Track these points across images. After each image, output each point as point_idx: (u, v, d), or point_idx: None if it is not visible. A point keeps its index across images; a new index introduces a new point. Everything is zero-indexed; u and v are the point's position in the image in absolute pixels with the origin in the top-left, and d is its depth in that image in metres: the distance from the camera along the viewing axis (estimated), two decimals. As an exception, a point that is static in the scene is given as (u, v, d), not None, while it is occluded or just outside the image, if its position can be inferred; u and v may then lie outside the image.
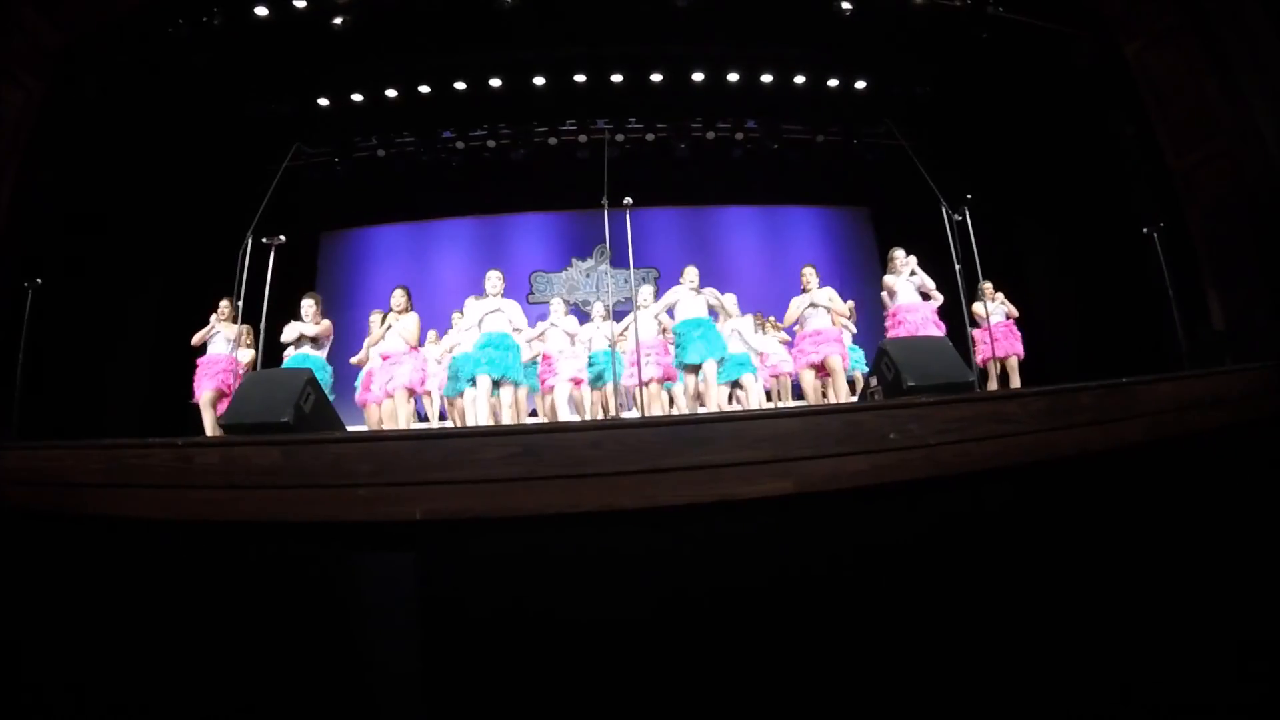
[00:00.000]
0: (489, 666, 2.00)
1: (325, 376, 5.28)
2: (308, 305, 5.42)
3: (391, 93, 8.14)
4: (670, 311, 5.36)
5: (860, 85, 8.59)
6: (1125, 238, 6.09)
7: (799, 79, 8.43)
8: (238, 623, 2.10)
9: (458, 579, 2.04)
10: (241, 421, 3.21)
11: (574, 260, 10.33)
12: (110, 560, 2.25)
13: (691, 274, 5.32)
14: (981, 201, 4.35)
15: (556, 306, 6.15)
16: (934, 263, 5.52)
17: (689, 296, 5.25)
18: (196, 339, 5.64)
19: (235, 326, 5.26)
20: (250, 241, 4.38)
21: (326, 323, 5.48)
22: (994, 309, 6.04)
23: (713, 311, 5.38)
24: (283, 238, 4.37)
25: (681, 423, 1.89)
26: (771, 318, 7.55)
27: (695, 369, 5.08)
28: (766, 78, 8.38)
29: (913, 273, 5.65)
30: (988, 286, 5.89)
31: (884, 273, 5.98)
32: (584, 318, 7.33)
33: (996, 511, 2.24)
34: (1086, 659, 2.24)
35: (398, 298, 5.31)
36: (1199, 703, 2.30)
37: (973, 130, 8.58)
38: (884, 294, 5.85)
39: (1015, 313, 6.25)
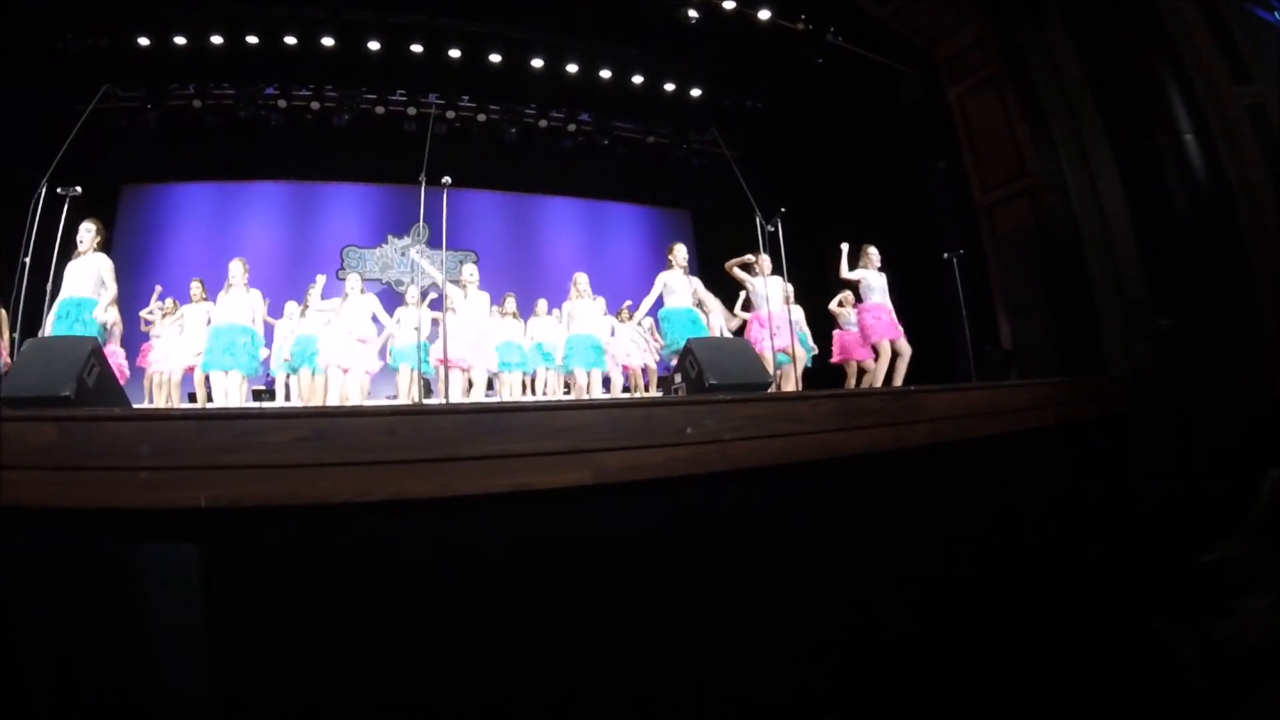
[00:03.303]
0: (277, 662, 1.92)
1: None
2: None
3: (216, 39, 7.49)
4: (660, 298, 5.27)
5: (695, 92, 8.95)
6: (928, 261, 6.76)
7: (637, 78, 8.65)
8: (11, 618, 1.90)
9: (244, 571, 1.94)
10: (19, 394, 2.90)
11: (390, 237, 10.02)
12: None
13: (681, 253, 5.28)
14: (796, 215, 4.65)
15: (353, 283, 5.43)
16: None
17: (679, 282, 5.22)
18: None
19: None
20: (45, 189, 3.89)
21: None
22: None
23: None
24: (79, 188, 3.91)
25: (481, 411, 1.89)
26: (627, 304, 7.59)
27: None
28: (605, 73, 8.51)
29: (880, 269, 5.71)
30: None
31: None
32: (397, 299, 7.10)
33: (788, 503, 2.43)
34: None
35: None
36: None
37: (796, 147, 9.11)
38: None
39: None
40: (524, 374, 6.24)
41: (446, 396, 3.82)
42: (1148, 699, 2.65)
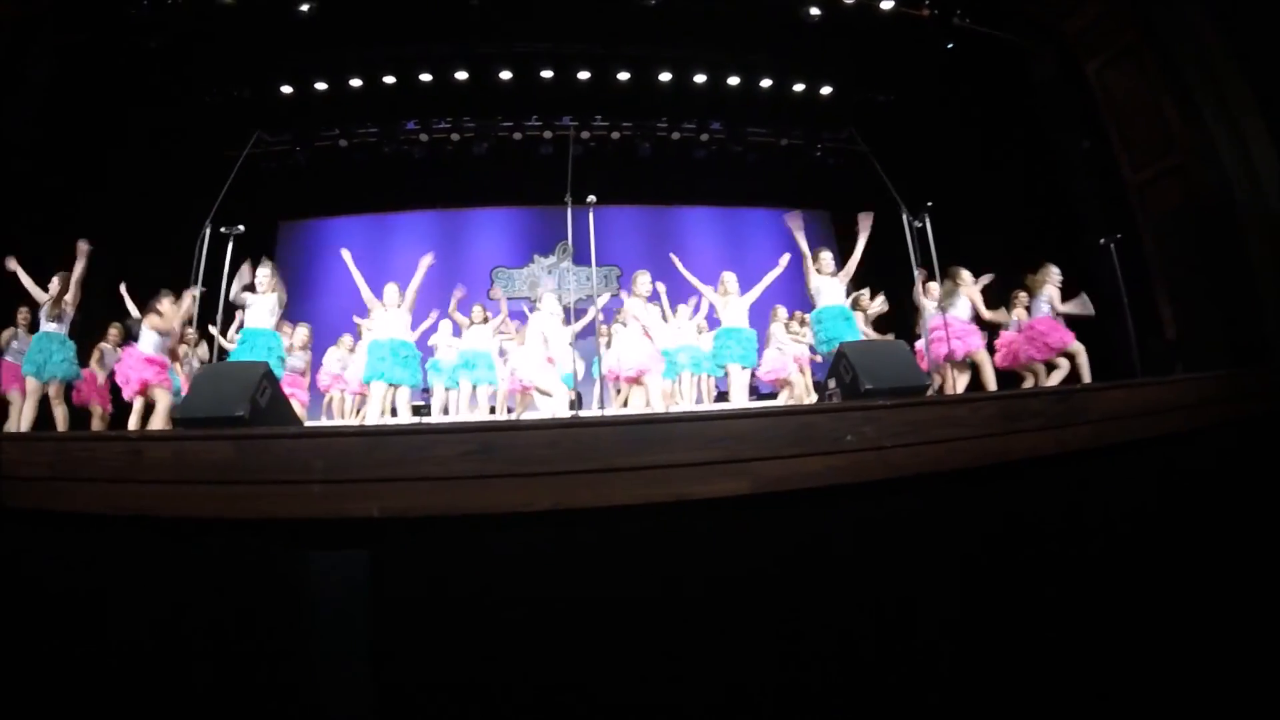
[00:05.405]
0: (439, 665, 1.98)
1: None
2: None
3: (355, 82, 8.06)
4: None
5: (825, 91, 8.76)
6: (1076, 248, 6.26)
7: (765, 83, 8.55)
8: (184, 621, 2.05)
9: (410, 574, 2.02)
10: (194, 415, 3.14)
11: (536, 256, 10.36)
12: (48, 556, 2.18)
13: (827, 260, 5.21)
14: (938, 208, 4.46)
15: (550, 302, 5.27)
16: (894, 267, 5.54)
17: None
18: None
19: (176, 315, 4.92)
20: (209, 230, 4.28)
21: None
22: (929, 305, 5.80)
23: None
24: (241, 227, 4.29)
25: (640, 422, 1.89)
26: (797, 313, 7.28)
27: None
28: (733, 80, 8.47)
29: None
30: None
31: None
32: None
33: (954, 512, 2.28)
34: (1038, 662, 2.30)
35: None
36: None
37: (931, 138, 8.70)
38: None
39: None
40: (671, 380, 6.20)
41: (603, 408, 3.88)
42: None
